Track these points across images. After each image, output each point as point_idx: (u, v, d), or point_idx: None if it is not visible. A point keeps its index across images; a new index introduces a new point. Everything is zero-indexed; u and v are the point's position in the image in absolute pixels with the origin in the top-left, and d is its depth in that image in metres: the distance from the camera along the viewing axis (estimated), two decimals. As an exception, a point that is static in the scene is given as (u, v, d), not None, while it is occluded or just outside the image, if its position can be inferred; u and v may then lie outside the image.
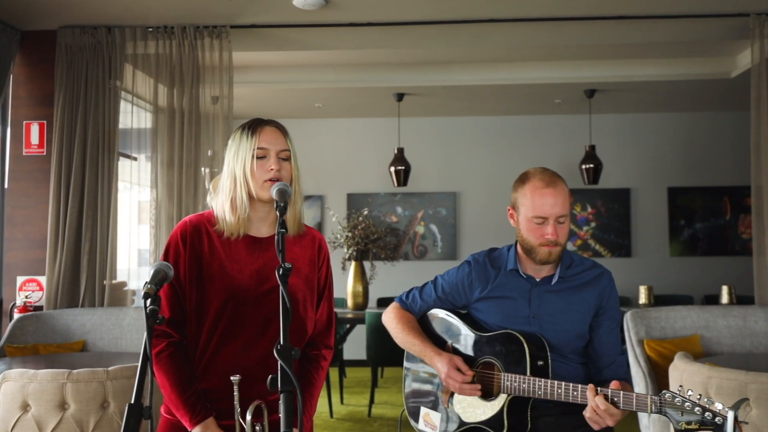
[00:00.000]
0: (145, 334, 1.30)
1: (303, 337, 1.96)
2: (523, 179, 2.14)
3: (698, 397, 1.65)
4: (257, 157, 1.84)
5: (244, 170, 1.84)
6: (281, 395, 1.31)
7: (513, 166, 7.65)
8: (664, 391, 1.70)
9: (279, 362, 1.33)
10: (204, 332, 1.85)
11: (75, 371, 2.56)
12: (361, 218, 6.14)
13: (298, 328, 1.93)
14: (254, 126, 1.88)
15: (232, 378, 1.67)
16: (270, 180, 1.82)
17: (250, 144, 1.84)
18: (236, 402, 1.67)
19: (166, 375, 1.81)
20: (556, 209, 2.06)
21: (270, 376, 1.34)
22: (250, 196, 1.86)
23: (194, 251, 1.86)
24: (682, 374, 2.75)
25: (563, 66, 5.87)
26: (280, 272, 1.47)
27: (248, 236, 1.90)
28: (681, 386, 1.69)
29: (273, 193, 1.75)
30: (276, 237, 1.56)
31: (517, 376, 2.03)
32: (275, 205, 1.70)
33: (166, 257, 1.87)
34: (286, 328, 1.41)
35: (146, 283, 1.43)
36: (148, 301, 1.36)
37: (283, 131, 1.91)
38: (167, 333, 1.84)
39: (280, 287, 1.45)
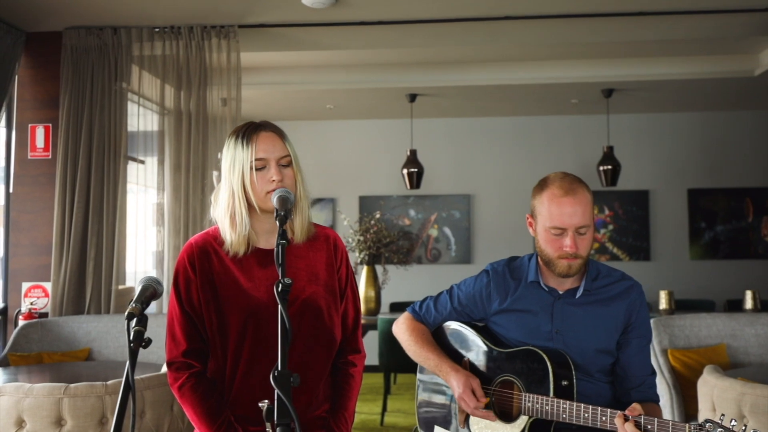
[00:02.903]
0: (128, 362, 1.16)
1: (333, 348, 1.84)
2: (541, 186, 1.99)
3: (743, 428, 1.49)
4: (256, 169, 1.70)
5: (243, 183, 1.71)
6: (277, 429, 1.17)
7: (528, 168, 7.53)
8: (705, 420, 1.54)
9: (276, 392, 1.19)
10: (229, 357, 1.73)
11: (72, 386, 2.44)
12: (372, 222, 6.01)
13: (326, 339, 1.81)
14: (248, 133, 1.73)
15: (260, 404, 1.51)
16: (273, 191, 1.69)
17: (247, 155, 1.71)
18: (269, 429, 1.54)
19: (193, 407, 1.70)
20: (575, 219, 1.90)
21: (267, 406, 1.21)
22: (251, 209, 1.74)
23: (205, 274, 1.74)
24: (713, 390, 2.59)
25: (580, 65, 5.72)
26: (279, 289, 1.33)
27: (258, 249, 1.78)
28: (723, 415, 1.54)
29: (273, 201, 1.62)
30: (275, 250, 1.43)
31: (540, 397, 1.89)
32: (275, 214, 1.57)
33: (176, 285, 1.75)
34: (284, 352, 1.27)
35: (131, 301, 1.30)
36: (133, 322, 1.23)
37: (281, 134, 1.78)
38: (188, 364, 1.73)
39: (279, 306, 1.31)
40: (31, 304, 4.50)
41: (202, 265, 1.74)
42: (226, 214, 1.73)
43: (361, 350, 1.92)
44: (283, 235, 1.48)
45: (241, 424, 1.74)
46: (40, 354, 3.99)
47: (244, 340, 1.72)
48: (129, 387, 1.14)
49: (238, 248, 1.74)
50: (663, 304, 5.88)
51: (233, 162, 1.73)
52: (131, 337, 1.22)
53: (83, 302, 4.47)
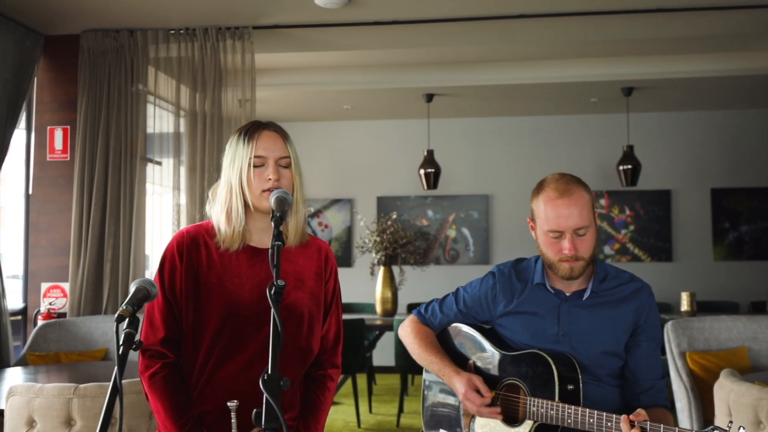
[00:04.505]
0: (116, 367, 1.15)
1: (308, 357, 1.82)
2: (538, 188, 1.95)
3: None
4: (254, 166, 1.70)
5: (241, 179, 1.71)
6: (265, 434, 1.16)
7: (547, 168, 7.39)
8: (711, 428, 1.50)
9: (264, 395, 1.18)
10: (201, 352, 1.71)
11: (82, 386, 2.45)
12: (389, 222, 5.99)
13: (303, 347, 1.79)
14: (251, 131, 1.74)
15: (228, 404, 1.51)
16: (268, 190, 1.69)
17: (247, 151, 1.71)
18: (234, 430, 1.53)
19: (161, 400, 1.68)
20: (571, 221, 1.86)
21: (255, 410, 1.19)
22: (246, 207, 1.73)
23: (191, 264, 1.73)
24: (729, 394, 2.53)
25: (599, 63, 5.64)
26: (272, 291, 1.32)
27: (249, 247, 1.77)
28: (731, 422, 1.49)
29: (271, 201, 1.62)
30: (270, 250, 1.42)
31: (545, 401, 1.85)
32: (271, 215, 1.56)
33: (161, 271, 1.75)
34: (275, 355, 1.26)
35: (123, 303, 1.30)
36: (123, 324, 1.22)
37: (283, 135, 1.77)
38: (162, 353, 1.72)
39: (272, 309, 1.30)
40: (50, 304, 4.56)
41: (189, 255, 1.74)
42: (222, 210, 1.73)
43: (340, 366, 1.90)
44: (278, 236, 1.47)
45: (201, 423, 1.71)
46: (58, 354, 4.04)
47: (219, 339, 1.70)
48: (116, 391, 1.13)
49: (230, 243, 1.73)
50: (684, 306, 5.77)
51: (233, 158, 1.74)
52: (120, 340, 1.21)
53: (100, 302, 4.51)
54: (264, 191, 1.69)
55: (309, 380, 1.84)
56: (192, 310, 1.72)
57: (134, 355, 1.55)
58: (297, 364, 1.78)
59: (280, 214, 1.55)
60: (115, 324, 1.23)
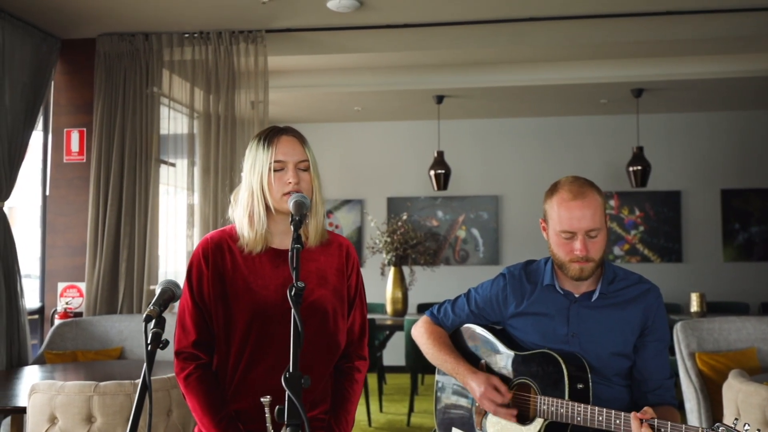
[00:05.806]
0: (145, 365, 1.21)
1: (335, 352, 1.88)
2: (552, 190, 2.01)
3: (757, 431, 1.48)
4: (274, 170, 1.77)
5: (261, 184, 1.77)
6: (288, 429, 1.21)
7: (557, 169, 7.47)
8: (717, 425, 1.54)
9: (287, 393, 1.23)
10: (233, 353, 1.78)
11: (102, 384, 2.51)
12: (400, 223, 6.04)
13: (329, 343, 1.85)
14: (270, 136, 1.80)
15: (262, 399, 1.58)
16: (288, 193, 1.75)
17: (267, 156, 1.77)
18: (268, 424, 1.59)
19: (197, 398, 1.75)
20: (584, 223, 1.91)
21: (277, 407, 1.25)
22: (268, 210, 1.79)
23: (217, 269, 1.80)
24: (737, 395, 2.56)
25: (608, 65, 5.66)
26: (292, 293, 1.37)
27: (271, 249, 1.83)
28: (737, 419, 1.53)
29: (290, 205, 1.67)
30: (290, 254, 1.48)
31: (555, 399, 1.89)
32: (290, 218, 1.61)
33: (189, 277, 1.82)
34: (296, 354, 1.31)
35: (150, 304, 1.35)
36: (150, 324, 1.27)
37: (301, 140, 1.83)
38: (195, 355, 1.79)
39: (292, 310, 1.35)
40: (67, 303, 4.63)
41: (215, 260, 1.80)
42: (245, 214, 1.79)
43: (367, 358, 1.96)
44: (297, 239, 1.52)
45: (237, 420, 1.78)
46: (75, 352, 4.11)
47: (249, 337, 1.77)
48: (146, 387, 1.18)
49: (254, 246, 1.79)
50: (694, 307, 5.78)
51: (254, 163, 1.80)
52: (148, 339, 1.26)
53: (116, 302, 4.58)
54: (284, 194, 1.75)
55: (337, 373, 1.90)
56: (221, 312, 1.78)
57: (161, 355, 1.61)
58: (325, 359, 1.85)
59: (299, 217, 1.60)
60: (143, 324, 1.28)
